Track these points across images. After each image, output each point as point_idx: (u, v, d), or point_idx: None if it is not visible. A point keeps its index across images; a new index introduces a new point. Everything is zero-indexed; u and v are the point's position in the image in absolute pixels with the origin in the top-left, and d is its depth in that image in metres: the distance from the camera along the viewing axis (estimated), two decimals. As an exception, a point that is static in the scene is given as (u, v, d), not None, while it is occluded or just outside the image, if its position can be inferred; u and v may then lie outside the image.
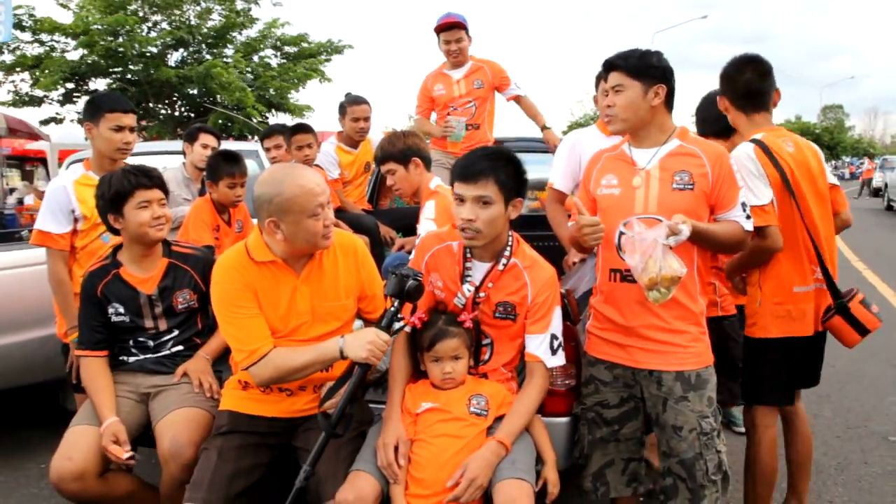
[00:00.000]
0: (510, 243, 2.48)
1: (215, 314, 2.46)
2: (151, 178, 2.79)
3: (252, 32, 18.82)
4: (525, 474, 2.24)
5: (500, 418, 2.38)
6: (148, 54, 17.29)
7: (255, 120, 17.43)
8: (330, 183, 4.54)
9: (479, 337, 2.50)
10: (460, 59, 4.75)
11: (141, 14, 17.10)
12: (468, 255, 2.50)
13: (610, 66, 2.51)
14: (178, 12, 17.64)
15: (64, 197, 3.17)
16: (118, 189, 2.73)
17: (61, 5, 16.88)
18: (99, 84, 18.22)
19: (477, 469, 2.22)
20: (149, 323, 2.83)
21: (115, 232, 2.84)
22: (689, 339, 2.47)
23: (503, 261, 2.45)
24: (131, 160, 3.34)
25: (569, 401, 2.74)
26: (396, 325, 2.36)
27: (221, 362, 2.89)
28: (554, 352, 2.46)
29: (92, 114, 3.22)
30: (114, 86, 17.93)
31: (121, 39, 16.41)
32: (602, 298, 2.60)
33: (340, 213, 4.55)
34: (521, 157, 2.54)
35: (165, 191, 2.87)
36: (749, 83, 2.88)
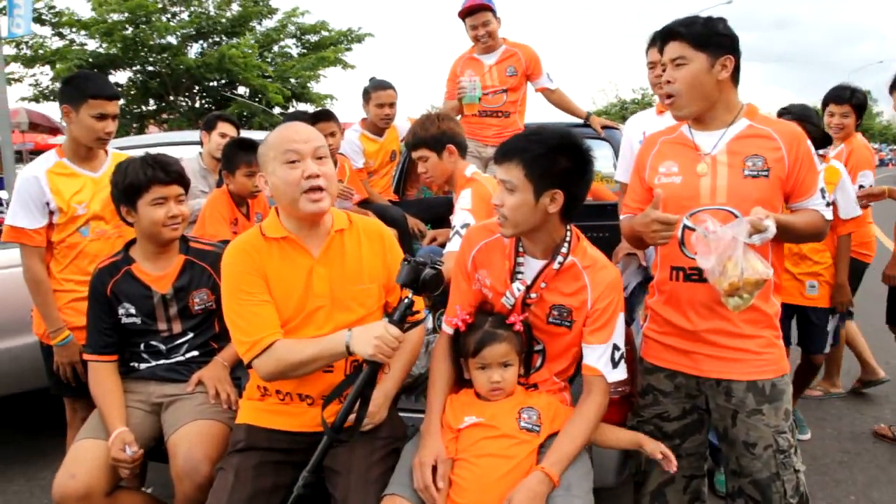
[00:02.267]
0: (568, 239, 2.18)
1: (222, 302, 2.23)
2: (169, 173, 2.54)
3: (271, 23, 18.63)
4: (581, 500, 1.97)
5: (554, 435, 2.11)
6: (168, 45, 17.14)
7: (277, 111, 17.25)
8: (354, 173, 4.30)
9: (530, 342, 2.22)
10: (490, 45, 4.42)
11: (160, 5, 16.95)
12: (520, 250, 2.21)
13: (668, 35, 2.20)
14: (196, 3, 17.46)
15: (36, 188, 2.90)
16: (133, 181, 2.51)
17: (79, -6, 16.83)
18: (119, 77, 18.15)
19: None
20: (162, 325, 2.60)
21: (130, 224, 2.63)
22: (762, 345, 2.19)
23: (559, 259, 2.15)
24: (136, 152, 3.12)
25: (623, 411, 2.47)
26: (417, 319, 2.16)
27: (240, 368, 2.65)
28: (615, 364, 2.16)
29: (72, 97, 2.92)
30: (135, 78, 17.85)
31: (140, 28, 16.26)
32: (662, 299, 2.32)
33: (366, 204, 4.32)
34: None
35: (186, 186, 2.64)
36: None
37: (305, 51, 18.91)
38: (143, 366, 2.62)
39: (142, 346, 2.60)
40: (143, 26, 16.23)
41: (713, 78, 2.15)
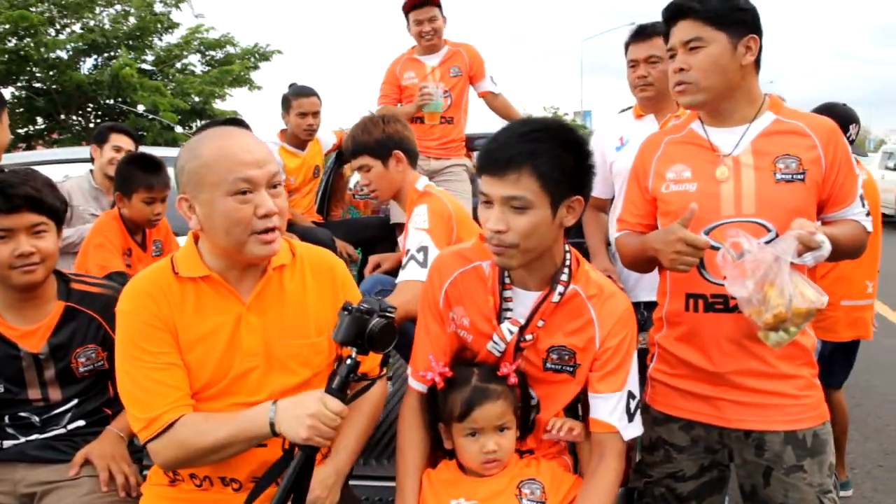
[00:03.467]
0: (568, 263, 1.73)
1: (115, 361, 1.67)
2: (9, 198, 1.88)
3: (173, 38, 17.57)
4: None
5: None
6: (57, 60, 15.83)
7: (181, 131, 16.20)
8: None
9: (526, 396, 1.75)
10: (434, 43, 3.99)
11: (48, 16, 15.63)
12: (507, 281, 1.74)
13: (677, 12, 1.81)
14: (90, 15, 16.22)
15: None
16: None
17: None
18: (3, 93, 16.66)
19: None
20: (34, 393, 1.97)
21: None
22: (800, 387, 1.82)
23: (559, 288, 1.70)
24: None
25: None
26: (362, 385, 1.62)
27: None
28: (631, 416, 1.72)
29: None
30: (20, 95, 16.43)
31: (24, 42, 14.91)
32: (674, 334, 1.91)
33: (289, 226, 3.77)
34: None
35: (53, 212, 1.98)
36: None
37: (210, 67, 17.94)
38: (7, 443, 1.98)
39: (6, 418, 1.97)
40: (28, 40, 14.90)
41: (736, 62, 1.78)
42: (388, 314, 1.53)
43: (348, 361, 1.53)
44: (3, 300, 1.97)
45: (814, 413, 1.82)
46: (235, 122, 3.75)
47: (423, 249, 2.41)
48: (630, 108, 2.92)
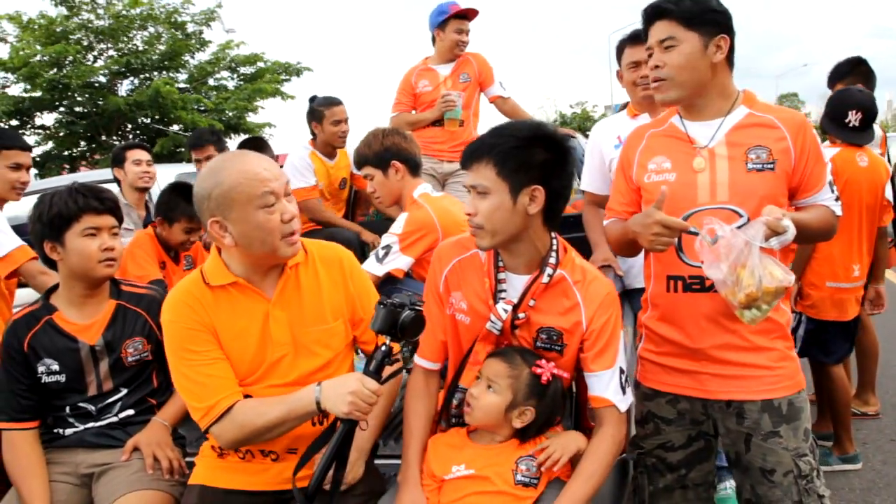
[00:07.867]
0: (555, 249, 1.92)
1: (169, 365, 1.93)
2: (103, 201, 2.24)
3: (205, 56, 18.13)
4: None
5: (553, 482, 1.84)
6: (96, 84, 16.47)
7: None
8: (305, 192, 4.00)
9: (559, 400, 1.93)
10: (456, 55, 4.30)
11: (86, 43, 16.29)
12: (500, 265, 1.95)
13: (654, 13, 1.97)
14: (125, 39, 16.83)
15: None
16: (61, 210, 2.19)
17: (-1, 39, 15.96)
18: (46, 119, 17.41)
19: None
20: (91, 382, 2.25)
21: (51, 264, 2.29)
22: (775, 359, 1.98)
23: (548, 271, 1.89)
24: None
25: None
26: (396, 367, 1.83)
27: (184, 424, 2.33)
28: (624, 390, 1.92)
29: None
30: (62, 119, 17.11)
31: (65, 71, 15.56)
32: (657, 315, 2.09)
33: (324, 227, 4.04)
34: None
35: (119, 219, 2.34)
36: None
37: (241, 83, 18.43)
38: (68, 431, 2.25)
39: (67, 408, 2.24)
40: (68, 69, 15.52)
41: (707, 61, 1.93)
42: (416, 307, 1.75)
43: (383, 348, 1.77)
44: (67, 298, 2.27)
45: (789, 382, 1.97)
46: (257, 140, 4.02)
47: (386, 248, 2.76)
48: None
